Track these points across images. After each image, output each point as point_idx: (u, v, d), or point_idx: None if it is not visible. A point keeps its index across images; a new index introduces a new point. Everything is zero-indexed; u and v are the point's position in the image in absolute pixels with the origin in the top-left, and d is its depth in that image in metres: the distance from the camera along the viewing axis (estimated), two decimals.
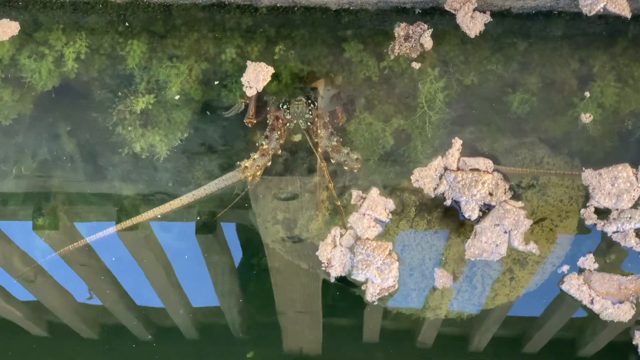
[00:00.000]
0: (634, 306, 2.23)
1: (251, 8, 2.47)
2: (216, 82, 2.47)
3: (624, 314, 2.22)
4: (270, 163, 2.36)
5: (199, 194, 2.32)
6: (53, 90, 2.49)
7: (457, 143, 2.34)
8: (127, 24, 2.51)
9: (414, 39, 2.41)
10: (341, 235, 2.32)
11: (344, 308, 2.42)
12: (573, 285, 2.25)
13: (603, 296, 2.23)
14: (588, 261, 2.27)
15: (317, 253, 2.31)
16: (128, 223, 2.35)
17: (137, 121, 2.46)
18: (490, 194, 2.26)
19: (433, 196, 2.33)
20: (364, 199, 2.33)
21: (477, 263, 2.31)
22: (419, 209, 2.33)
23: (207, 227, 2.44)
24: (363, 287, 2.30)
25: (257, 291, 2.47)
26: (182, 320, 2.48)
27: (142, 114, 2.46)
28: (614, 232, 2.26)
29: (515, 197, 2.30)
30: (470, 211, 2.27)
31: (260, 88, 2.42)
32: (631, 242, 2.24)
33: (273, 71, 2.43)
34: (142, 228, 2.43)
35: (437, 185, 2.32)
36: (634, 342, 2.25)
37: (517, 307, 2.34)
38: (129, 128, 2.46)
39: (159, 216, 2.35)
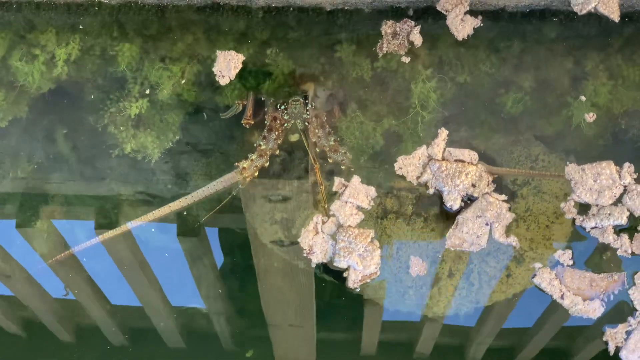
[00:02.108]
0: (603, 304, 2.34)
1: (245, 9, 2.62)
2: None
3: (593, 310, 2.33)
4: (267, 163, 2.50)
5: (198, 195, 2.44)
6: (47, 92, 2.63)
7: (443, 133, 2.47)
8: (120, 25, 2.65)
9: (401, 36, 2.55)
10: (323, 223, 2.44)
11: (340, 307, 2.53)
12: (544, 280, 2.36)
13: (574, 292, 2.34)
14: (565, 256, 2.39)
15: (299, 240, 2.43)
16: (124, 228, 2.47)
17: (129, 122, 2.59)
18: (473, 186, 2.38)
19: (415, 184, 2.46)
20: (346, 186, 2.46)
21: (473, 260, 2.42)
22: (416, 208, 2.47)
23: (199, 228, 2.56)
24: (345, 274, 2.41)
25: (247, 293, 2.59)
26: (165, 325, 2.59)
27: (135, 116, 2.59)
28: (592, 228, 2.38)
29: (511, 195, 2.42)
30: (452, 201, 2.41)
31: (232, 76, 2.57)
32: (609, 238, 2.36)
33: (243, 58, 2.57)
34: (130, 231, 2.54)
35: (421, 174, 2.45)
36: (603, 339, 2.35)
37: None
38: (121, 128, 2.59)
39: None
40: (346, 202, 2.45)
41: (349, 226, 2.42)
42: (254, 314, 2.55)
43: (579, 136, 2.50)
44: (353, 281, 2.40)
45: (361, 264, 2.39)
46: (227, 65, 2.59)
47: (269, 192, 2.55)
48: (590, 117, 2.49)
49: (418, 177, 2.47)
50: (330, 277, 2.47)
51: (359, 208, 2.46)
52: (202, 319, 2.60)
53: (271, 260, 2.54)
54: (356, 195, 2.45)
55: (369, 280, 2.41)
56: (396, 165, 2.48)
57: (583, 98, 2.51)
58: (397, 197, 2.50)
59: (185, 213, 2.56)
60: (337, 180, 2.49)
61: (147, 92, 2.61)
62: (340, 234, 2.41)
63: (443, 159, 2.45)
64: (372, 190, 2.47)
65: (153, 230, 2.60)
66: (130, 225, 2.49)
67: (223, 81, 2.59)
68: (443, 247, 2.45)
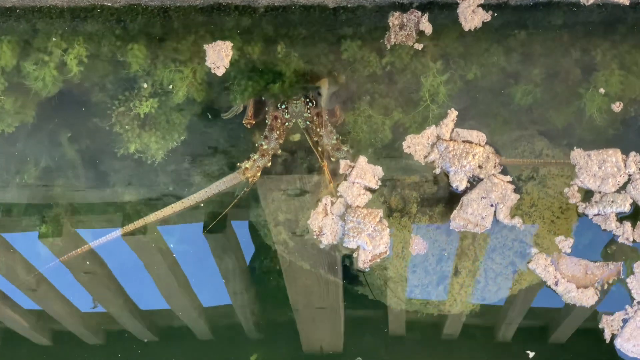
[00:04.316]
0: (597, 292, 2.45)
1: (250, 9, 2.73)
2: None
3: (587, 298, 2.44)
4: (270, 163, 2.62)
5: (200, 196, 2.57)
6: (55, 97, 2.76)
7: (452, 114, 2.59)
8: (126, 28, 2.77)
9: (408, 27, 2.66)
10: (332, 204, 2.55)
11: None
12: (540, 265, 2.48)
13: (568, 279, 2.45)
14: (564, 243, 2.49)
15: (308, 222, 2.56)
16: (130, 227, 2.59)
17: (134, 121, 2.71)
18: (480, 167, 2.50)
19: (423, 164, 2.58)
20: (353, 167, 2.57)
21: (480, 257, 2.53)
22: (420, 205, 2.58)
23: (209, 228, 2.68)
24: (354, 255, 2.54)
25: (263, 291, 2.74)
26: (189, 322, 2.73)
27: (143, 117, 2.72)
28: (595, 215, 2.49)
29: (515, 190, 2.53)
30: (458, 182, 2.52)
31: (227, 64, 2.68)
32: (611, 225, 2.46)
33: (232, 45, 2.68)
34: (145, 231, 2.68)
35: (428, 153, 2.57)
36: (600, 326, 2.46)
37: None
38: (127, 127, 2.71)
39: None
40: (353, 183, 2.56)
41: (357, 206, 2.54)
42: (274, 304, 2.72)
43: (589, 127, 2.61)
44: (363, 261, 2.52)
45: (370, 244, 2.50)
46: (218, 55, 2.69)
47: (286, 187, 2.67)
48: (617, 106, 2.59)
49: (425, 157, 2.58)
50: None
51: (367, 188, 2.57)
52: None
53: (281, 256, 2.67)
54: (363, 176, 2.56)
55: (378, 260, 2.53)
56: (404, 144, 2.59)
57: (602, 90, 2.61)
58: (402, 195, 2.61)
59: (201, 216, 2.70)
60: (343, 162, 2.60)
61: (158, 92, 2.74)
62: (349, 215, 2.52)
63: (451, 140, 2.57)
64: (378, 170, 2.58)
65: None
66: (135, 226, 2.63)
67: (219, 72, 2.69)
68: (448, 245, 2.57)
